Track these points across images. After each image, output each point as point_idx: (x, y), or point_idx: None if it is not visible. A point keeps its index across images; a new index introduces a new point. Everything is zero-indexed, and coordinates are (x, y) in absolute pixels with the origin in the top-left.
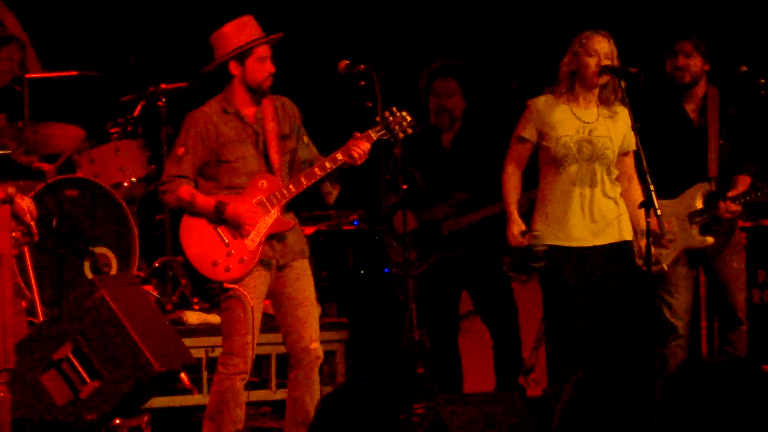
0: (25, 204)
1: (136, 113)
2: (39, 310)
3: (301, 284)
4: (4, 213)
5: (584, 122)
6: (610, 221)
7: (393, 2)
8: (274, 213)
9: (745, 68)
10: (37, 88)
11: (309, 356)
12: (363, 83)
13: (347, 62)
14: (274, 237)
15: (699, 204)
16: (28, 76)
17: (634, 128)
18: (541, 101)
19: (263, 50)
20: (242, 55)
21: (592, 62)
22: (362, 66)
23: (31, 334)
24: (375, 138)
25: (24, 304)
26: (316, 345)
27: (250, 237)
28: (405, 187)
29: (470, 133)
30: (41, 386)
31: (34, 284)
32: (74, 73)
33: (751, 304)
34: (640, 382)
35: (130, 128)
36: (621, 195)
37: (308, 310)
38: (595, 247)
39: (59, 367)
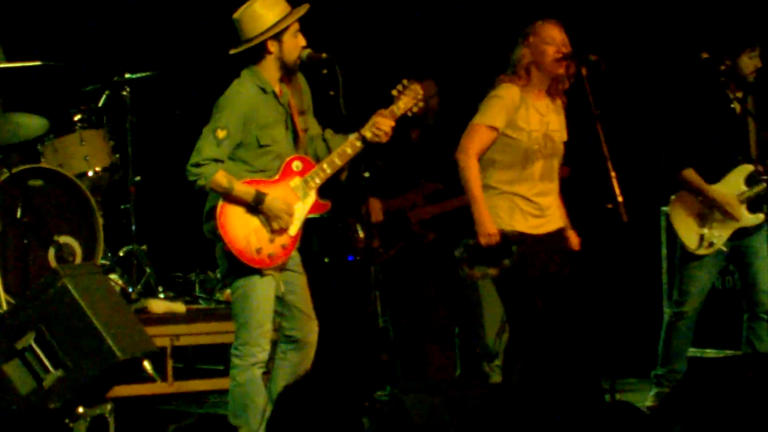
0: None
1: (100, 103)
2: (2, 299)
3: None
4: None
5: (541, 115)
6: (555, 211)
7: None
8: (313, 195)
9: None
10: (1, 78)
11: (315, 336)
12: (326, 71)
13: (310, 50)
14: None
15: (743, 185)
16: None
17: (596, 116)
18: (511, 90)
19: (297, 24)
20: (280, 31)
21: (550, 50)
22: (324, 54)
23: None
24: (399, 114)
25: None
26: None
27: (292, 221)
28: (366, 174)
29: (439, 126)
30: (4, 375)
31: None
32: (38, 63)
33: None
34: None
35: (94, 118)
36: None
37: (308, 297)
38: (549, 233)
39: (22, 356)
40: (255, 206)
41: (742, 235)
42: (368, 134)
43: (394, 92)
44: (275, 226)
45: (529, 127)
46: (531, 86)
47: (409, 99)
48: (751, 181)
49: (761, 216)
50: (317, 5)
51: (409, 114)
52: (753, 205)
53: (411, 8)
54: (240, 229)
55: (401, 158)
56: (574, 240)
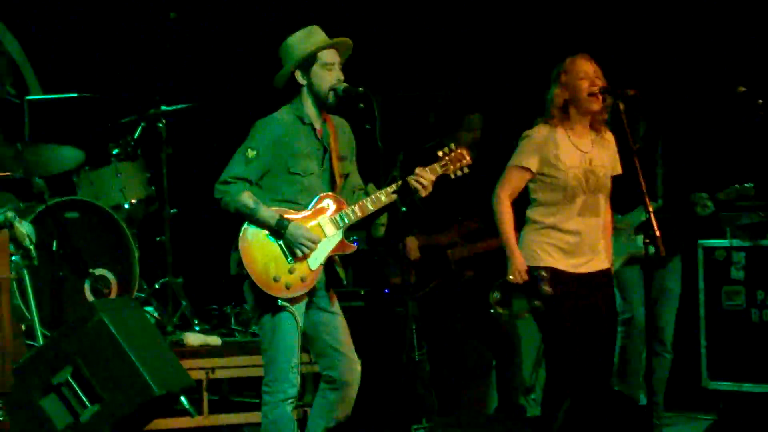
0: (24, 228)
1: (135, 135)
2: (39, 332)
3: (337, 310)
4: (3, 238)
5: (583, 152)
6: (602, 251)
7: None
8: (339, 235)
9: (743, 89)
10: (38, 110)
11: (354, 376)
12: (363, 106)
13: (346, 84)
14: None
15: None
16: (28, 97)
17: (633, 151)
18: (542, 131)
19: (328, 56)
20: (307, 62)
21: (584, 84)
22: (361, 88)
23: (31, 357)
24: (440, 172)
25: (23, 327)
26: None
27: (313, 256)
28: (403, 209)
29: (480, 164)
30: (41, 410)
31: (33, 307)
32: (74, 94)
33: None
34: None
35: (130, 150)
36: None
37: (347, 336)
38: (590, 273)
39: (59, 391)
40: (277, 232)
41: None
42: (409, 183)
43: (440, 153)
44: (297, 252)
45: (566, 164)
46: (570, 123)
47: (453, 164)
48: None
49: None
50: (371, 38)
51: (452, 177)
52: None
53: (465, 41)
54: (260, 254)
55: (440, 195)
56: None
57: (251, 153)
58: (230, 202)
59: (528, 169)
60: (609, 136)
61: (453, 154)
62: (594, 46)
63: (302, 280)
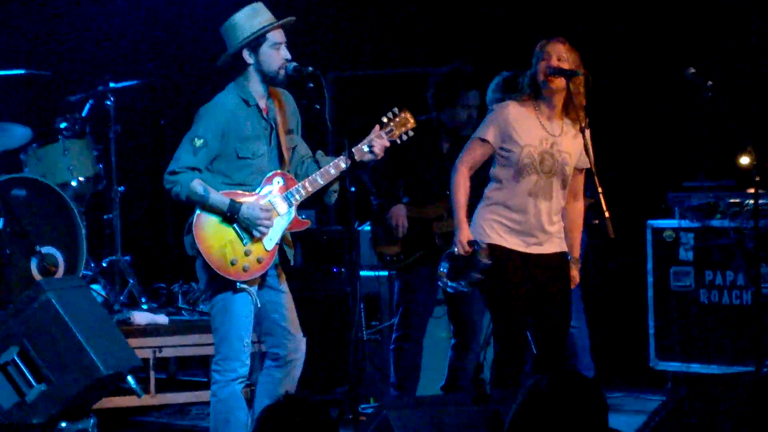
0: None
1: (84, 112)
2: None
3: (285, 288)
4: None
5: (549, 133)
6: (554, 234)
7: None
8: (291, 212)
9: (693, 70)
10: None
11: (300, 354)
12: (312, 85)
13: (295, 64)
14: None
15: None
16: None
17: (582, 130)
18: (509, 106)
19: (277, 36)
20: (255, 42)
21: (542, 66)
22: (310, 68)
23: None
24: (386, 139)
25: None
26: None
27: (268, 236)
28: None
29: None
30: None
31: None
32: (22, 71)
33: None
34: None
35: (77, 127)
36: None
37: (293, 315)
38: (540, 254)
39: (5, 370)
40: (231, 216)
41: None
42: (358, 154)
43: (384, 119)
44: (255, 233)
45: (523, 141)
46: (540, 104)
47: (398, 129)
48: None
49: None
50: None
51: (398, 142)
52: None
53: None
54: (215, 240)
55: (430, 168)
56: (574, 277)
57: (198, 141)
58: (180, 192)
59: (487, 141)
60: (578, 127)
61: (397, 118)
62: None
63: (259, 261)
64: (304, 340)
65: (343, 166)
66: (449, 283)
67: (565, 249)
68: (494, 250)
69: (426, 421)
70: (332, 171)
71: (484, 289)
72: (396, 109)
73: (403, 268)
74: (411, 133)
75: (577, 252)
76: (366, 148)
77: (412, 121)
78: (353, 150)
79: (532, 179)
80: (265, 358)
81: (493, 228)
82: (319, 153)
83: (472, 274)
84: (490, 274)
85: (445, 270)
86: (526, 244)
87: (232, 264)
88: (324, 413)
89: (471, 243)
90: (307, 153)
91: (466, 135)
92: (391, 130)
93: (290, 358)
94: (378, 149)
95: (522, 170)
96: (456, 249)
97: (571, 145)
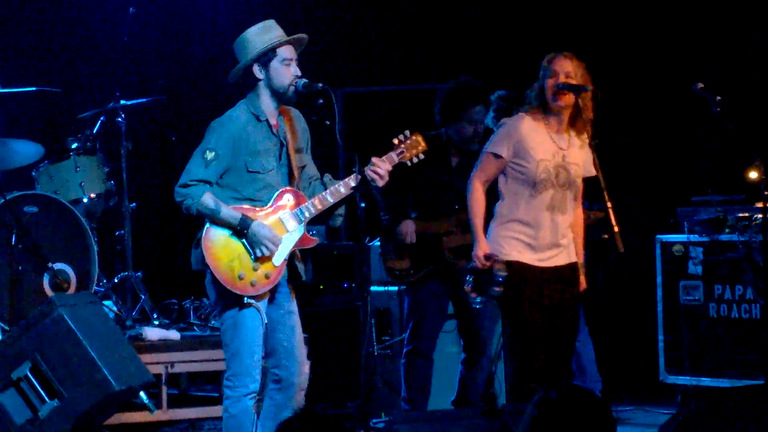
0: None
1: (95, 129)
2: None
3: (293, 308)
4: None
5: (559, 147)
6: (566, 246)
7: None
8: (300, 229)
9: (702, 85)
10: None
11: (302, 378)
12: (322, 101)
13: (305, 80)
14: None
15: None
16: None
17: (590, 144)
18: (519, 120)
19: (287, 52)
20: (265, 57)
21: (550, 82)
22: (320, 84)
23: None
24: (396, 161)
25: None
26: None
27: (277, 252)
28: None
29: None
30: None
31: None
32: (33, 88)
33: None
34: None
35: (89, 144)
36: None
37: (299, 337)
38: (556, 267)
39: (18, 386)
40: (240, 231)
41: None
42: (366, 175)
43: (396, 141)
44: (258, 253)
45: (538, 156)
46: (549, 118)
47: (409, 151)
48: None
49: None
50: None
51: (409, 164)
52: None
53: (471, 32)
54: (224, 254)
55: (439, 184)
56: (581, 282)
57: (209, 154)
58: (191, 205)
59: (500, 156)
60: (586, 137)
61: (408, 141)
62: (588, 40)
63: (267, 276)
64: (308, 364)
65: (353, 185)
66: (477, 299)
67: (575, 259)
68: (512, 266)
69: None
70: (342, 190)
71: (502, 304)
72: (407, 132)
73: (412, 283)
74: (422, 156)
75: (581, 257)
76: (372, 172)
77: (423, 144)
78: (360, 173)
79: (549, 193)
80: (267, 379)
81: (510, 245)
82: (327, 176)
83: (493, 288)
84: (509, 289)
85: (469, 285)
86: (542, 259)
87: (240, 278)
88: (342, 428)
89: (488, 257)
90: (315, 174)
91: (472, 149)
92: (402, 152)
93: (291, 381)
94: (383, 172)
95: (538, 185)
96: (475, 263)
97: (578, 156)
